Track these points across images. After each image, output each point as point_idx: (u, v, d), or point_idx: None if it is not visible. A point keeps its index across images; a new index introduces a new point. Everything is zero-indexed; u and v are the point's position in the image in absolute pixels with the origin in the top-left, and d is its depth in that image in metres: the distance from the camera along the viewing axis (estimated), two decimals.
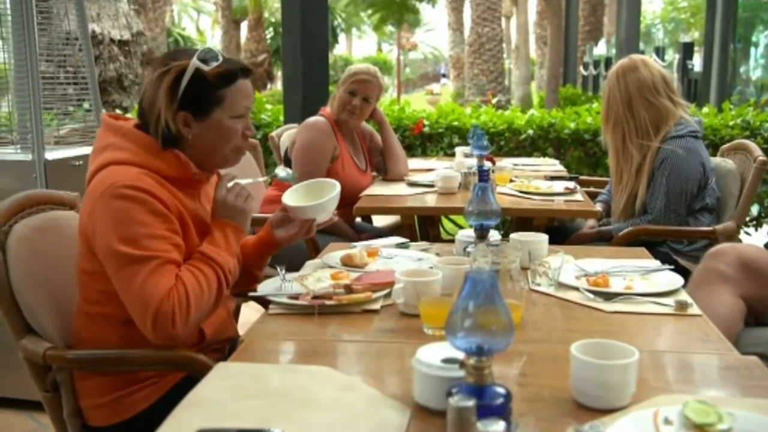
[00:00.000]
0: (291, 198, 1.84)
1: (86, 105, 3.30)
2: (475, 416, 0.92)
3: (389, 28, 28.91)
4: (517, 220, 3.24)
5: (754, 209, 4.46)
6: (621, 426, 1.02)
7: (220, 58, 1.59)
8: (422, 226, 3.37)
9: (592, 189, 3.45)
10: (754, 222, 4.45)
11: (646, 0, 26.27)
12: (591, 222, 3.11)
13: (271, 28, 23.15)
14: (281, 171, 1.96)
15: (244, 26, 21.79)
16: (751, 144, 2.98)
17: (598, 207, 3.13)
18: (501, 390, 1.01)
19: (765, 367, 1.25)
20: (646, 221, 2.83)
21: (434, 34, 40.57)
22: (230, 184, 1.69)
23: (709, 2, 8.34)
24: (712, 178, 2.88)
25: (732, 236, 2.84)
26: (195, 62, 1.57)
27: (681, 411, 1.04)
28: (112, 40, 9.98)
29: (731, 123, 4.42)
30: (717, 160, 3.04)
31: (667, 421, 1.03)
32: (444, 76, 31.59)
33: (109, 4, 10.18)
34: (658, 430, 1.02)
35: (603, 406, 1.09)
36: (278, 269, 1.78)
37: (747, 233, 4.44)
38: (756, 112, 4.57)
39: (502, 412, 0.99)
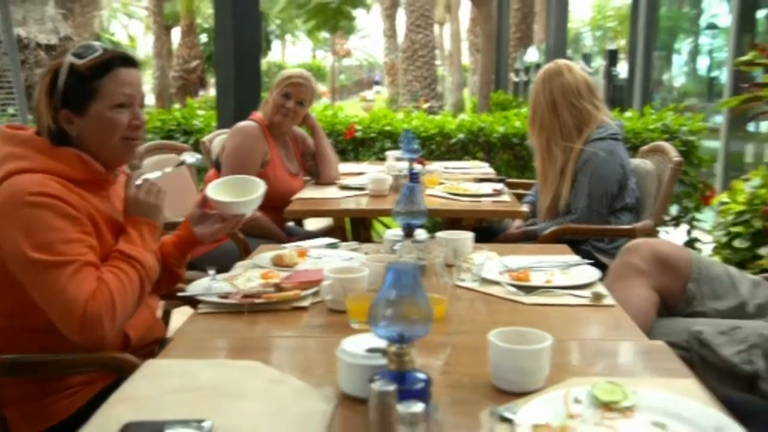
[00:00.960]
0: (216, 193, 1.84)
1: (11, 110, 3.24)
2: (395, 400, 0.97)
3: (324, 34, 28.92)
4: (446, 222, 3.31)
5: (674, 209, 4.64)
6: (534, 406, 1.08)
7: (99, 51, 1.59)
8: (354, 228, 3.41)
9: (520, 191, 3.55)
10: (674, 221, 4.63)
11: (576, 8, 26.89)
12: (518, 222, 3.20)
13: (204, 34, 22.92)
14: (189, 157, 1.95)
15: (176, 32, 21.51)
16: (667, 146, 3.12)
17: (525, 208, 3.22)
18: (421, 376, 1.06)
19: (670, 351, 1.33)
20: (569, 220, 2.93)
21: (369, 40, 40.79)
22: (139, 181, 1.68)
23: (633, 12, 8.64)
24: (631, 178, 3.00)
25: (650, 234, 2.95)
26: (69, 58, 1.57)
27: (590, 391, 1.11)
28: (38, 45, 9.73)
29: (652, 126, 4.60)
30: (636, 162, 3.17)
31: (576, 401, 1.10)
32: (377, 83, 31.76)
33: (35, 8, 9.94)
34: (568, 408, 1.08)
35: (519, 390, 1.15)
36: (208, 271, 1.80)
37: (666, 232, 4.62)
38: (675, 116, 4.76)
39: (423, 395, 1.04)
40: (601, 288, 1.72)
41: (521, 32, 18.58)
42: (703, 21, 12.41)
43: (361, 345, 1.19)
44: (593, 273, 1.80)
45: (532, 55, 16.57)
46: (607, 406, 1.08)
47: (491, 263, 1.87)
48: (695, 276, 2.04)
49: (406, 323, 1.03)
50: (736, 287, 2.05)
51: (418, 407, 0.94)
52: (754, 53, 3.65)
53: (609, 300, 1.64)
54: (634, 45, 8.41)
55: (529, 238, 3.04)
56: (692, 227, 4.60)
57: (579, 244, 2.90)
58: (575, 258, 1.97)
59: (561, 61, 3.14)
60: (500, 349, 1.16)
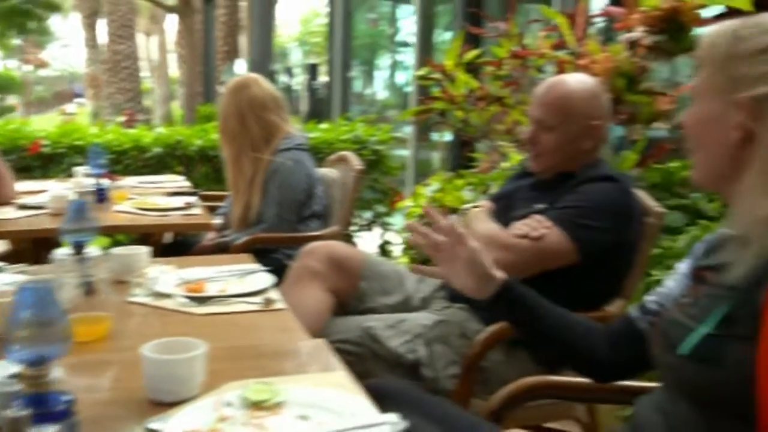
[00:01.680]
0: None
1: None
2: (29, 424, 0.93)
3: (15, 41, 26.56)
4: (141, 237, 3.22)
5: (368, 215, 4.94)
6: (185, 414, 1.10)
7: None
8: (36, 250, 3.19)
9: (216, 203, 3.56)
10: (368, 226, 4.93)
11: (286, 23, 27.44)
12: (211, 234, 3.20)
13: None
14: None
15: None
16: (350, 155, 3.31)
17: (218, 219, 3.24)
18: (64, 397, 1.03)
19: (327, 348, 1.42)
20: (260, 230, 3.00)
21: (70, 50, 38.29)
22: None
23: (330, 29, 9.06)
24: (318, 186, 3.15)
25: (338, 239, 3.12)
26: None
27: (241, 393, 1.15)
28: None
29: (344, 137, 4.85)
30: (322, 171, 3.33)
31: (228, 404, 1.13)
32: (78, 95, 29.89)
33: None
34: (219, 412, 1.11)
35: (173, 400, 1.16)
36: None
37: (360, 236, 4.90)
38: (366, 127, 5.07)
39: (64, 417, 1.01)
40: (273, 293, 1.78)
41: (228, 45, 18.57)
42: (399, 38, 13.33)
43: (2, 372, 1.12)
44: (267, 279, 1.86)
45: (239, 67, 16.67)
46: (257, 406, 1.13)
47: (167, 277, 1.86)
48: (366, 274, 2.19)
49: (41, 343, 0.99)
50: (403, 283, 2.23)
51: (51, 430, 0.91)
52: (428, 68, 4.02)
53: (280, 304, 1.71)
54: (332, 60, 8.82)
55: (222, 249, 3.05)
56: (385, 230, 4.93)
57: (271, 252, 2.98)
58: (254, 266, 2.03)
59: (249, 75, 3.23)
60: (151, 361, 1.16)
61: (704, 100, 1.14)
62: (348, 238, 4.85)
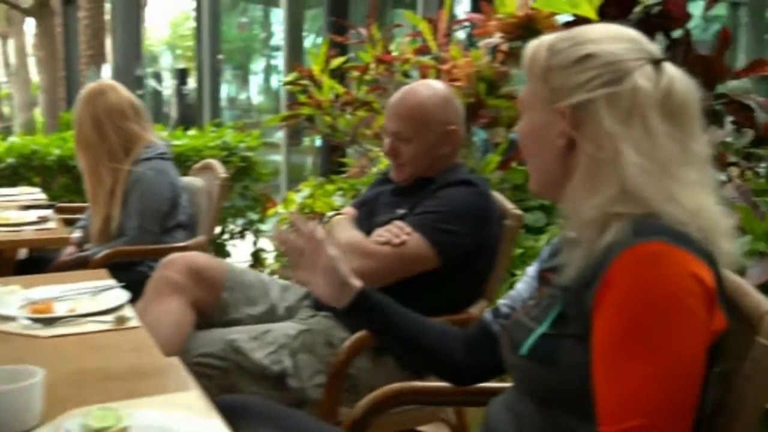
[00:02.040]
0: None
1: None
2: None
3: None
4: None
5: (240, 221, 4.86)
6: None
7: None
8: None
9: (76, 215, 3.40)
10: (240, 234, 4.85)
11: (156, 26, 26.59)
12: (70, 249, 3.06)
13: None
14: None
15: None
16: (215, 163, 3.24)
17: (78, 233, 3.10)
18: None
19: (181, 367, 1.37)
20: (122, 243, 2.88)
21: None
22: None
23: (198, 32, 8.85)
24: (183, 196, 3.06)
25: (205, 249, 3.05)
26: None
27: (82, 421, 1.09)
28: None
29: (212, 144, 4.75)
30: (188, 179, 3.24)
31: None
32: None
33: None
34: None
35: None
36: None
37: (234, 245, 4.82)
38: (235, 134, 4.98)
39: None
40: (127, 311, 1.71)
41: (93, 49, 17.81)
42: (273, 42, 13.21)
43: None
44: (121, 296, 1.78)
45: (106, 72, 16.05)
46: None
47: (12, 298, 1.75)
48: (229, 284, 2.15)
49: None
50: (267, 293, 2.20)
51: None
52: (296, 74, 3.99)
53: (133, 322, 1.65)
54: (201, 65, 8.62)
55: (81, 264, 2.91)
56: (257, 238, 4.86)
57: (135, 265, 2.87)
58: (108, 282, 1.94)
59: (105, 81, 3.11)
60: None
61: (532, 110, 1.19)
62: (220, 247, 4.76)
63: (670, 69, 1.11)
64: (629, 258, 1.00)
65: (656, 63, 1.10)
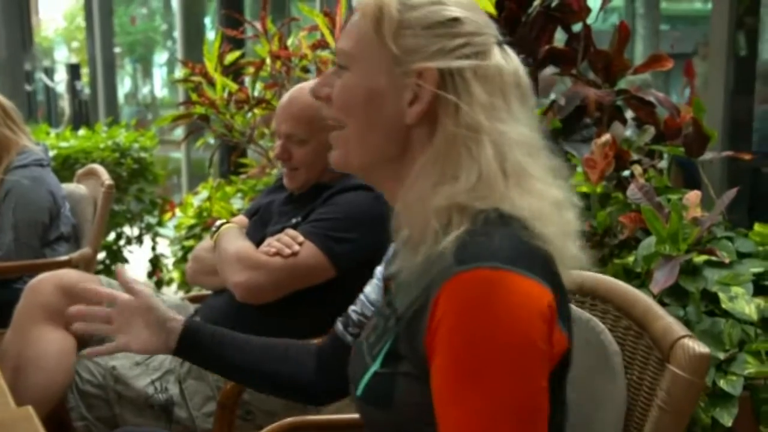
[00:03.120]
0: None
1: None
2: None
3: None
4: None
5: (137, 226, 4.62)
6: None
7: None
8: None
9: None
10: (137, 239, 4.61)
11: (49, 18, 25.41)
12: None
13: None
14: None
15: None
16: (100, 168, 3.02)
17: None
18: None
19: (34, 418, 1.20)
20: None
21: None
22: None
23: (87, 24, 8.43)
24: (65, 205, 2.84)
25: (91, 262, 2.84)
26: None
27: None
28: None
29: (103, 145, 4.48)
30: (71, 187, 3.01)
31: None
32: None
33: None
34: None
35: None
36: None
37: (130, 251, 4.58)
38: (128, 133, 4.72)
39: None
40: None
41: None
42: (175, 34, 12.78)
43: None
44: None
45: None
46: None
47: None
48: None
49: None
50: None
51: None
52: (187, 70, 3.78)
53: None
54: (94, 59, 8.22)
55: None
56: (156, 243, 4.63)
57: (12, 282, 2.65)
58: None
59: None
60: None
61: (365, 67, 0.98)
62: (116, 254, 4.50)
63: (511, 53, 0.99)
64: (455, 289, 0.85)
65: (500, 45, 0.98)
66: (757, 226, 2.18)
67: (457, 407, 0.85)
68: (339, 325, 1.27)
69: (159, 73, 14.11)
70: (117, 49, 9.37)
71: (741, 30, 2.56)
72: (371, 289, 1.24)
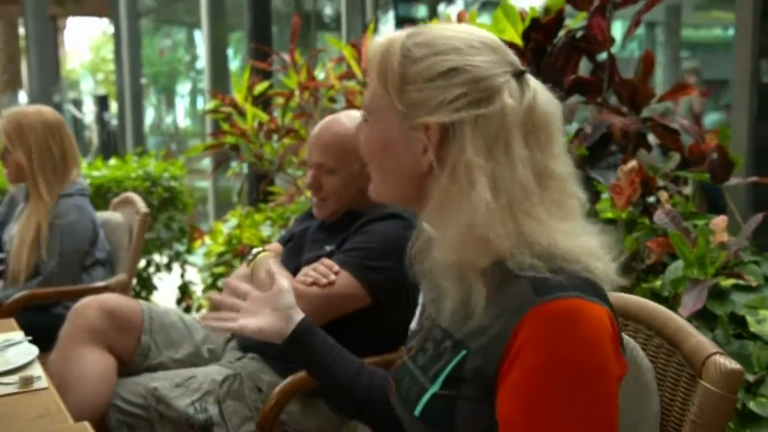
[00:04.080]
0: None
1: None
2: None
3: None
4: None
5: (167, 254, 4.69)
6: None
7: None
8: None
9: None
10: (167, 266, 4.69)
11: (76, 50, 25.90)
12: None
13: None
14: None
15: None
16: (135, 197, 3.10)
17: None
18: None
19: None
20: (37, 284, 2.72)
21: None
22: None
23: (116, 56, 8.62)
24: (101, 232, 2.92)
25: (126, 288, 2.91)
26: None
27: None
28: None
29: (134, 174, 4.58)
30: (107, 215, 3.09)
31: None
32: None
33: None
34: None
35: None
36: None
37: (160, 278, 4.65)
38: (158, 163, 4.82)
39: None
40: (34, 370, 1.58)
41: (9, 74, 17.32)
42: (199, 65, 12.94)
43: None
44: (27, 352, 1.65)
45: (22, 98, 15.56)
46: None
47: None
48: (148, 327, 2.03)
49: None
50: (191, 334, 2.09)
51: None
52: (216, 102, 3.88)
53: (41, 383, 1.52)
54: (122, 90, 8.39)
55: None
56: (185, 270, 4.71)
57: (51, 307, 2.73)
58: (14, 335, 1.80)
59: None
60: None
61: (381, 121, 1.05)
62: (146, 281, 4.58)
63: (533, 81, 1.02)
64: (539, 319, 0.91)
65: (519, 75, 1.00)
66: None
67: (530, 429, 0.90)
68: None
69: (182, 104, 14.27)
70: (143, 80, 9.55)
71: (764, 57, 2.60)
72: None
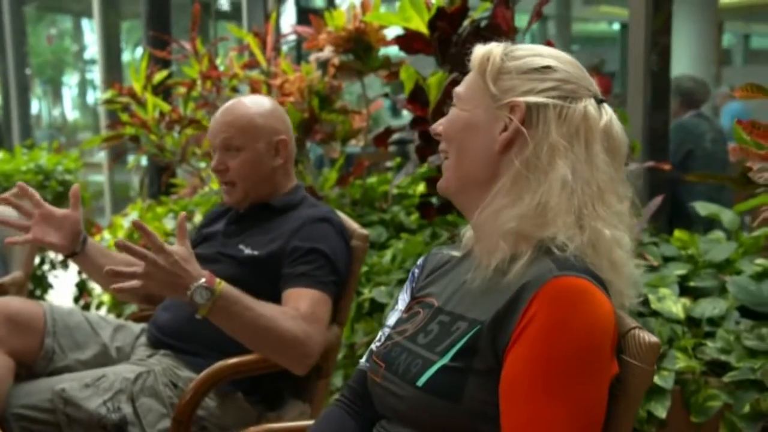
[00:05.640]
0: None
1: None
2: None
3: None
4: None
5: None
6: None
7: None
8: None
9: None
10: (62, 264, 4.50)
11: None
12: None
13: None
14: None
15: None
16: None
17: None
18: None
19: None
20: None
21: None
22: None
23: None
24: None
25: (23, 285, 2.78)
26: None
27: None
28: None
29: (25, 168, 4.38)
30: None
31: None
32: None
33: None
34: None
35: None
36: None
37: (55, 276, 4.47)
38: (50, 156, 4.62)
39: None
40: None
41: None
42: (87, 55, 12.44)
43: None
44: None
45: None
46: None
47: None
48: (51, 329, 1.94)
49: None
50: (98, 333, 2.01)
51: None
52: (113, 92, 3.74)
53: None
54: (6, 80, 7.97)
55: None
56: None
57: None
58: None
59: None
60: None
61: (471, 104, 1.14)
62: (41, 279, 4.38)
63: (609, 110, 1.12)
64: (553, 290, 0.98)
65: (598, 101, 1.11)
66: (677, 232, 2.33)
67: (537, 398, 0.95)
68: (364, 363, 1.28)
69: (69, 95, 13.73)
70: (28, 71, 9.11)
71: (655, 48, 2.72)
72: (392, 321, 1.27)
